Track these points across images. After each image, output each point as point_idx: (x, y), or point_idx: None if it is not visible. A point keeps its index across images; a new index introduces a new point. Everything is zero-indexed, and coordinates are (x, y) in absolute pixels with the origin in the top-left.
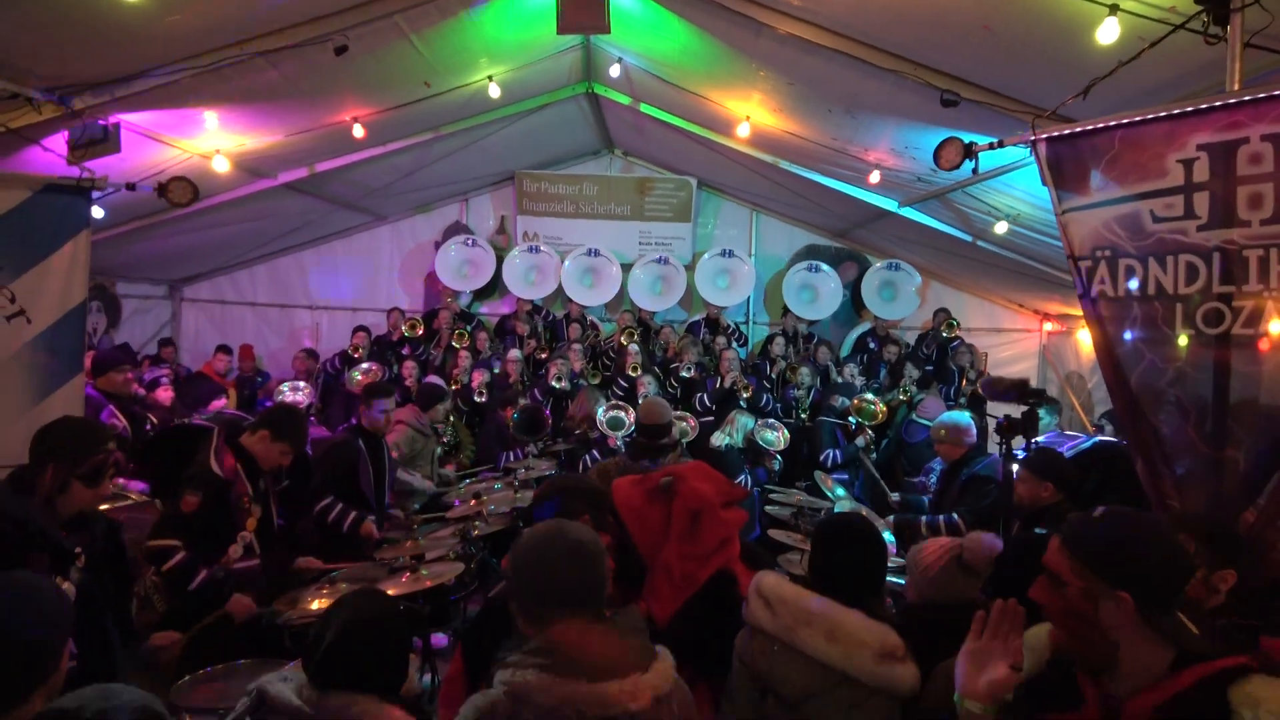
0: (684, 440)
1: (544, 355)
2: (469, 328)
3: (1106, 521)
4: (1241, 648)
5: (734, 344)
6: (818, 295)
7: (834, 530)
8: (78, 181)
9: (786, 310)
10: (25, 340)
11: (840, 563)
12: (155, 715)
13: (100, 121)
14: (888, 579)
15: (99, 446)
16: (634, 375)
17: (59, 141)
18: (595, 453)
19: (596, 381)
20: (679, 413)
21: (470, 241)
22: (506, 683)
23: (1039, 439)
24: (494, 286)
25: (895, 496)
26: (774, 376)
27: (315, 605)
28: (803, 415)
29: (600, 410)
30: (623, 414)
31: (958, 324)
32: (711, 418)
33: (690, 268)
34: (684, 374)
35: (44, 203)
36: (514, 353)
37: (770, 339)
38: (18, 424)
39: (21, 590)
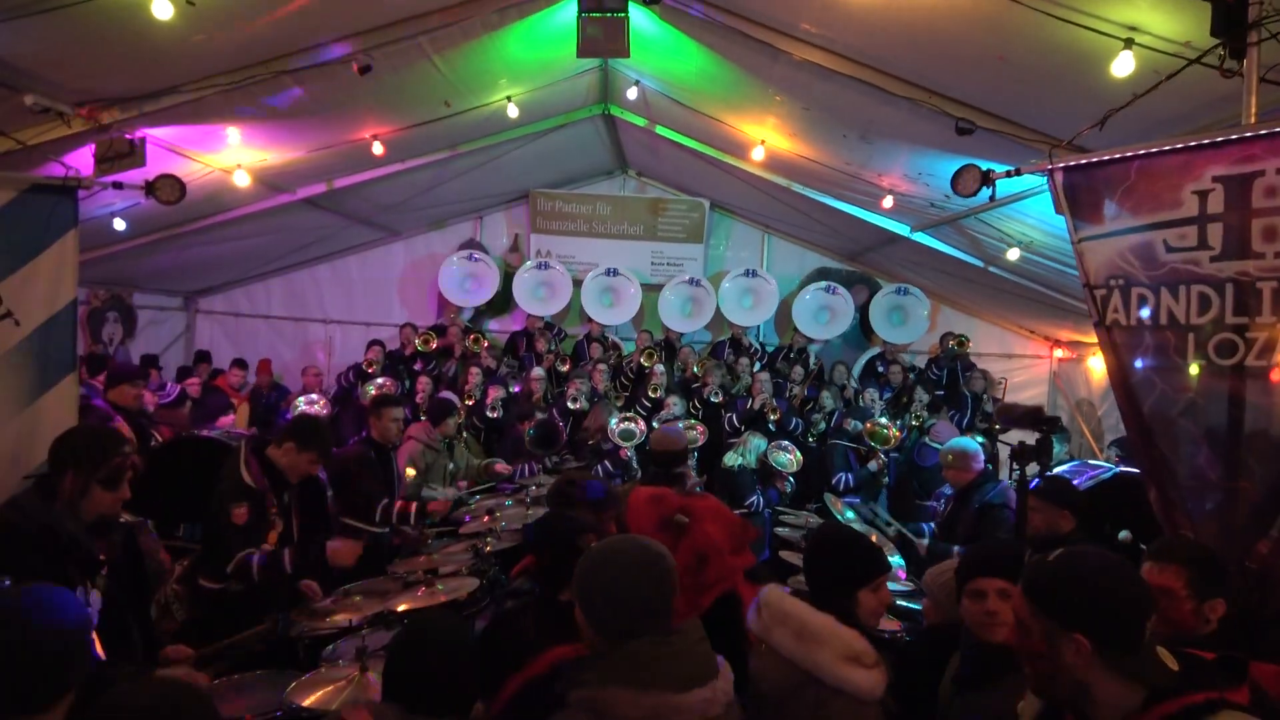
0: (693, 448)
1: (566, 368)
2: (482, 334)
3: (1059, 564)
4: (1226, 682)
5: (758, 365)
6: (834, 317)
7: (815, 540)
8: (63, 181)
9: (796, 330)
10: (14, 343)
11: (813, 570)
12: (201, 706)
13: (127, 136)
14: (899, 602)
15: (116, 450)
16: (655, 396)
17: (82, 156)
18: (606, 463)
19: (620, 404)
20: (689, 422)
21: (473, 256)
22: (587, 700)
23: (1063, 468)
24: (505, 303)
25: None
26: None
27: (332, 617)
28: (811, 437)
29: (613, 420)
30: (634, 426)
31: (967, 340)
32: (739, 439)
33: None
34: (712, 399)
35: (30, 203)
36: (537, 370)
37: (782, 359)
38: (9, 427)
39: (43, 602)
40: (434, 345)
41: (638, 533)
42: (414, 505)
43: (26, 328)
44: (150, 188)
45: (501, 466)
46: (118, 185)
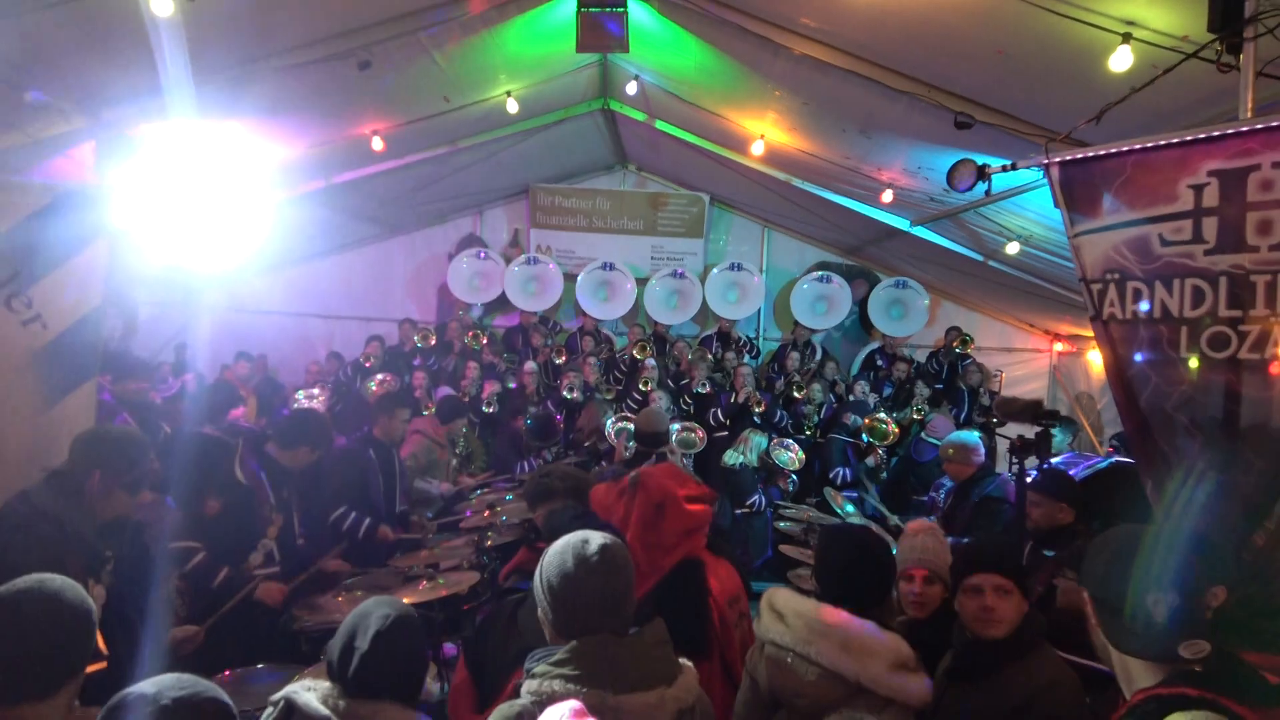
0: (692, 451)
1: (562, 360)
2: (483, 330)
3: (1099, 537)
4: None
5: (746, 357)
6: (831, 307)
7: (839, 541)
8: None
9: (797, 323)
10: (41, 345)
11: (846, 573)
12: (219, 703)
13: (127, 133)
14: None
15: (144, 458)
16: (647, 390)
17: (86, 151)
18: (605, 463)
19: (610, 396)
20: (689, 423)
21: (482, 254)
22: (534, 693)
23: (1057, 459)
24: (505, 299)
25: (895, 520)
26: (781, 389)
27: (333, 612)
28: (807, 431)
29: (609, 421)
30: (630, 425)
31: (971, 340)
32: (725, 433)
33: (700, 281)
34: (699, 390)
35: (63, 209)
36: (530, 365)
37: (785, 352)
38: (32, 427)
39: (45, 592)
40: (432, 342)
41: (600, 509)
42: (365, 523)
43: (53, 331)
44: None
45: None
46: None
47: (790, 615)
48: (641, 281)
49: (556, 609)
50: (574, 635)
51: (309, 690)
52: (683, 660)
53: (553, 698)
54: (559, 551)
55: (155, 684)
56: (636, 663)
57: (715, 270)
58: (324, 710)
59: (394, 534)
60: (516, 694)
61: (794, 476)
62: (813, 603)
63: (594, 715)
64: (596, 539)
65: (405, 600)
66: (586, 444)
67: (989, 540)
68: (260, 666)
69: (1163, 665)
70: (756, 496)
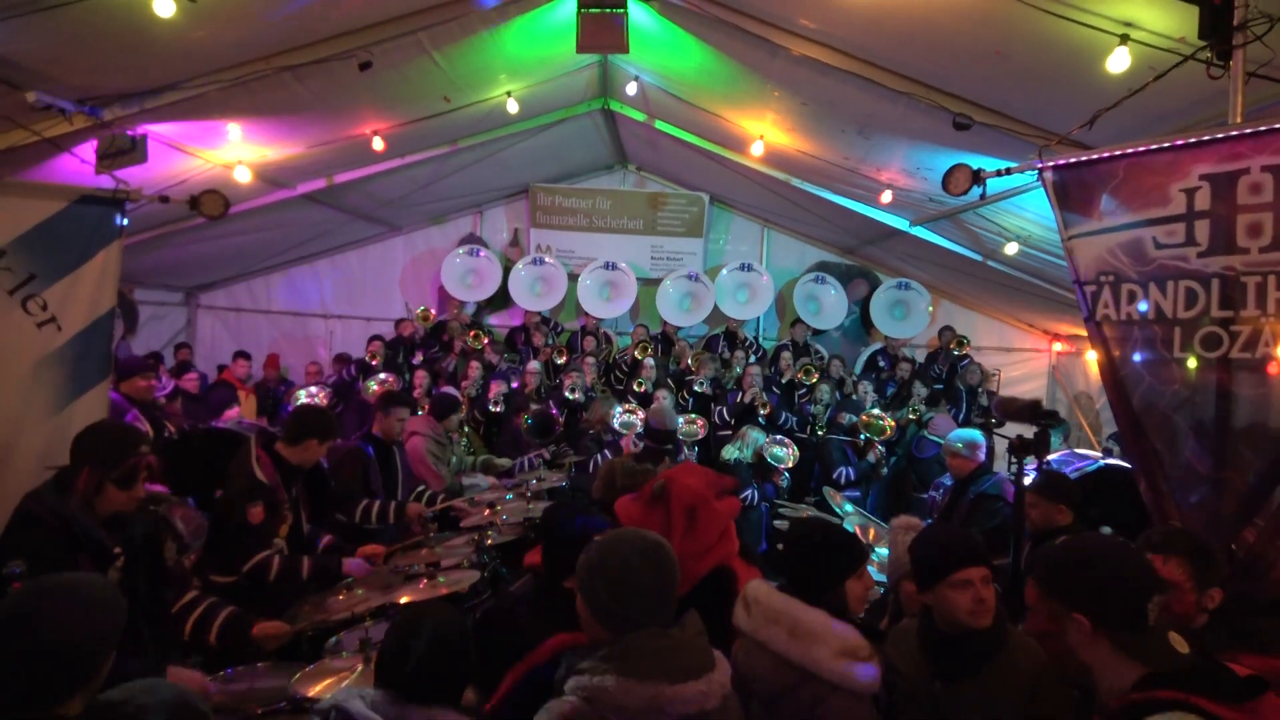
0: (693, 441)
1: (563, 359)
2: (483, 331)
3: (1063, 549)
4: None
5: (752, 358)
6: (822, 307)
7: (796, 535)
8: (113, 193)
9: (795, 321)
10: (55, 347)
11: (799, 564)
12: (194, 710)
13: (129, 132)
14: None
15: (132, 450)
16: (639, 390)
17: (89, 150)
18: (607, 453)
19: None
20: (689, 416)
21: (475, 251)
22: (584, 688)
23: (1052, 457)
24: (505, 298)
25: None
26: (784, 384)
27: (333, 611)
28: (819, 431)
29: (616, 411)
30: (635, 418)
31: (967, 341)
32: (729, 431)
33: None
34: (697, 388)
35: (79, 213)
36: (533, 364)
37: (778, 352)
38: (45, 428)
39: (79, 594)
40: (433, 318)
41: (630, 524)
42: (392, 505)
43: (68, 333)
44: (194, 202)
45: (414, 509)
46: (164, 199)
47: (752, 604)
48: (650, 282)
49: (608, 601)
50: (621, 628)
51: (359, 697)
52: (716, 651)
53: (607, 692)
54: (611, 545)
55: (124, 691)
56: (684, 653)
57: (725, 271)
58: (377, 717)
59: (427, 511)
60: (531, 683)
61: (787, 473)
62: (771, 591)
63: (650, 706)
64: (648, 535)
65: (405, 599)
66: (591, 432)
67: (958, 534)
68: (261, 665)
69: (1140, 663)
70: (750, 491)
